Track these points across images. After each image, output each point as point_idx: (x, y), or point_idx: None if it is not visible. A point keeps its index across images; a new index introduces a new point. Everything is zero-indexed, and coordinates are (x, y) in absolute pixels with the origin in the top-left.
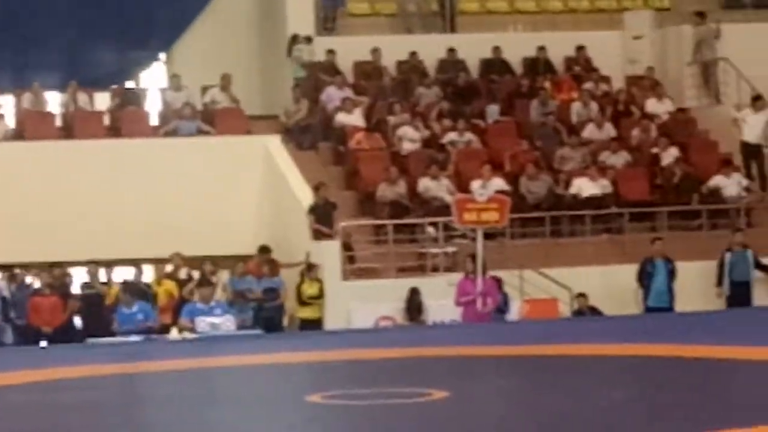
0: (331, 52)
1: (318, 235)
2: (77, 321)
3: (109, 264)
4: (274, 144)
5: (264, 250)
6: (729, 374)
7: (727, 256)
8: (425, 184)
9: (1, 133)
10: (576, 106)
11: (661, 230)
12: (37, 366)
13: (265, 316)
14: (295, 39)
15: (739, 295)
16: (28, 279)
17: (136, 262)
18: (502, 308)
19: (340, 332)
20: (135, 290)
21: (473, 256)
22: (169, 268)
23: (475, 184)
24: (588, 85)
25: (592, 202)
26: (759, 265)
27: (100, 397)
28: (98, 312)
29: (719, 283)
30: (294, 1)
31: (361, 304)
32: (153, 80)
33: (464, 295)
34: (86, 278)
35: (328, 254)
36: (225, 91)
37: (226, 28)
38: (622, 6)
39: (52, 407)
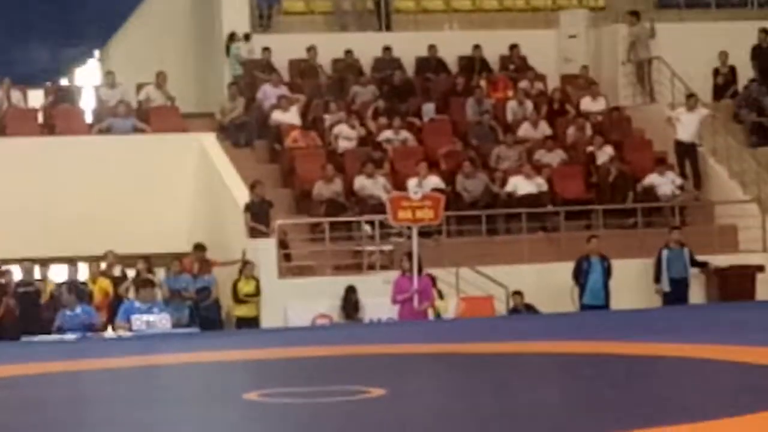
0: (266, 50)
1: (254, 233)
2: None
3: (44, 262)
4: (209, 142)
5: (199, 247)
6: (664, 371)
7: (664, 253)
8: (361, 182)
9: None
10: (511, 105)
11: (596, 228)
12: None
13: (202, 315)
14: (232, 37)
15: (677, 292)
16: None
17: (70, 260)
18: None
19: (277, 330)
20: (77, 291)
21: (409, 254)
22: (103, 265)
23: (411, 183)
24: (523, 84)
25: (528, 200)
26: (694, 262)
27: (37, 395)
28: (34, 310)
29: (657, 279)
30: None
31: (297, 302)
32: (87, 78)
33: (400, 293)
34: (21, 276)
35: (264, 252)
36: (160, 88)
37: (161, 26)
38: (557, 5)
39: None
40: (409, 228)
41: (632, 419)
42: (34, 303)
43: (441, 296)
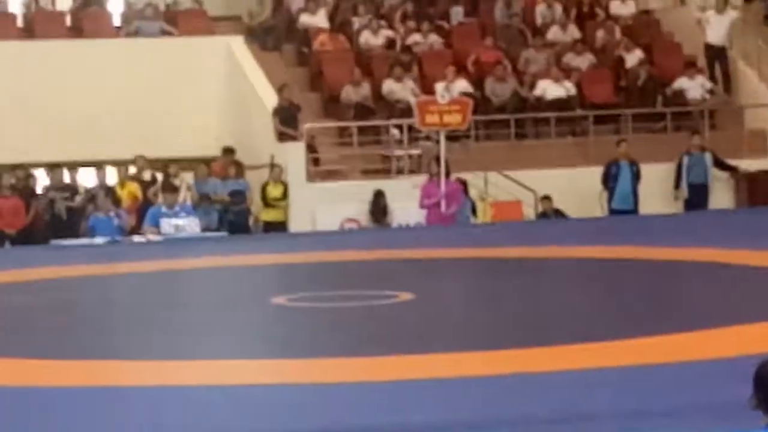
0: None
1: (282, 137)
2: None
3: (72, 166)
4: (237, 44)
5: (228, 151)
6: (692, 276)
7: (685, 159)
8: (389, 86)
9: None
10: (540, 8)
11: (625, 132)
12: (2, 268)
13: (231, 219)
14: None
15: (696, 197)
16: None
17: (98, 165)
18: (468, 213)
19: (305, 234)
20: (111, 194)
21: (437, 159)
22: (132, 170)
23: (439, 86)
24: None
25: (557, 104)
26: (722, 165)
27: (67, 298)
28: (64, 214)
29: (677, 185)
30: None
31: (325, 206)
32: None
33: (428, 198)
34: (49, 180)
35: (293, 156)
36: None
37: None
38: None
39: (20, 308)
40: (437, 132)
41: (658, 324)
42: (64, 207)
43: (474, 211)
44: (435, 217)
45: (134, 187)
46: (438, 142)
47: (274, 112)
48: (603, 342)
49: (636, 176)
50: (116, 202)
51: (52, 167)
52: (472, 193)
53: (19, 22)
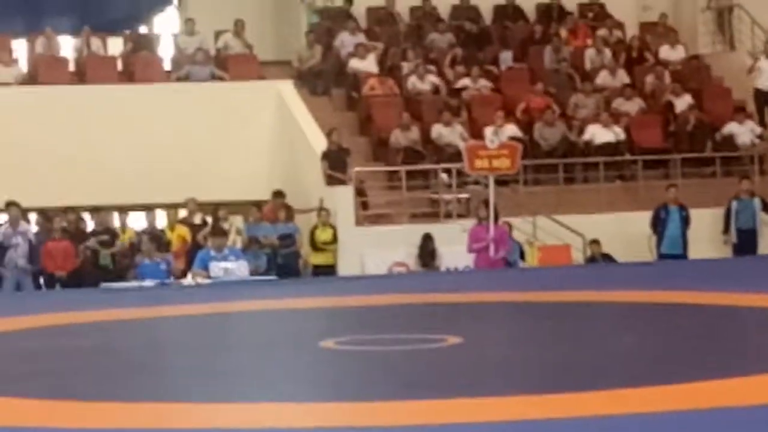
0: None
1: (331, 181)
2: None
3: (122, 209)
4: (287, 89)
5: (278, 194)
6: (744, 321)
7: (734, 204)
8: (438, 130)
9: (14, 77)
10: (589, 53)
11: (674, 177)
12: (52, 310)
13: (280, 263)
14: None
15: (745, 242)
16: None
17: (148, 208)
18: (516, 258)
19: (353, 278)
20: (157, 239)
21: (486, 203)
22: (183, 213)
23: (488, 131)
24: (602, 32)
25: (606, 149)
26: None
27: (116, 341)
28: (113, 257)
29: (726, 230)
30: None
31: (374, 250)
32: (166, 25)
33: (476, 242)
34: (99, 223)
35: (342, 200)
36: (238, 36)
37: None
38: None
39: (69, 351)
40: (486, 177)
41: (709, 369)
42: (108, 255)
43: (523, 255)
44: (483, 261)
45: (184, 231)
46: (487, 186)
47: (323, 156)
48: (654, 386)
49: (685, 221)
50: (165, 245)
51: (96, 211)
52: (521, 237)
53: (71, 67)
